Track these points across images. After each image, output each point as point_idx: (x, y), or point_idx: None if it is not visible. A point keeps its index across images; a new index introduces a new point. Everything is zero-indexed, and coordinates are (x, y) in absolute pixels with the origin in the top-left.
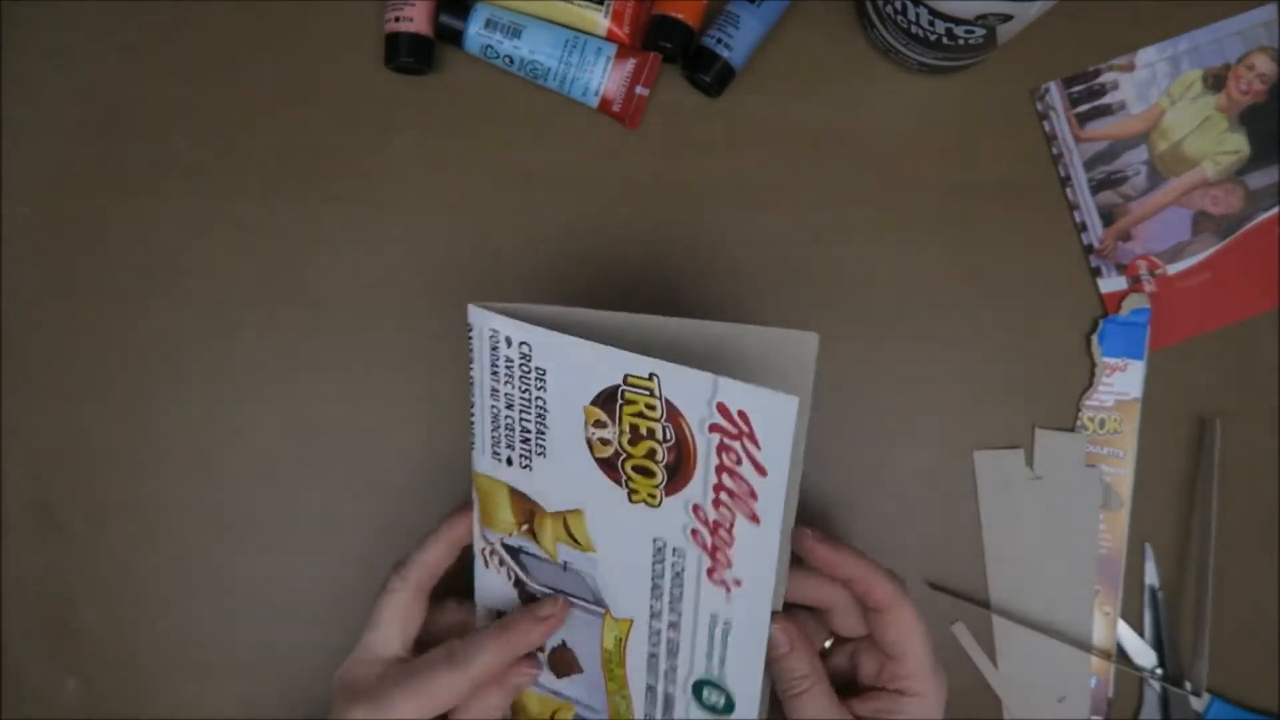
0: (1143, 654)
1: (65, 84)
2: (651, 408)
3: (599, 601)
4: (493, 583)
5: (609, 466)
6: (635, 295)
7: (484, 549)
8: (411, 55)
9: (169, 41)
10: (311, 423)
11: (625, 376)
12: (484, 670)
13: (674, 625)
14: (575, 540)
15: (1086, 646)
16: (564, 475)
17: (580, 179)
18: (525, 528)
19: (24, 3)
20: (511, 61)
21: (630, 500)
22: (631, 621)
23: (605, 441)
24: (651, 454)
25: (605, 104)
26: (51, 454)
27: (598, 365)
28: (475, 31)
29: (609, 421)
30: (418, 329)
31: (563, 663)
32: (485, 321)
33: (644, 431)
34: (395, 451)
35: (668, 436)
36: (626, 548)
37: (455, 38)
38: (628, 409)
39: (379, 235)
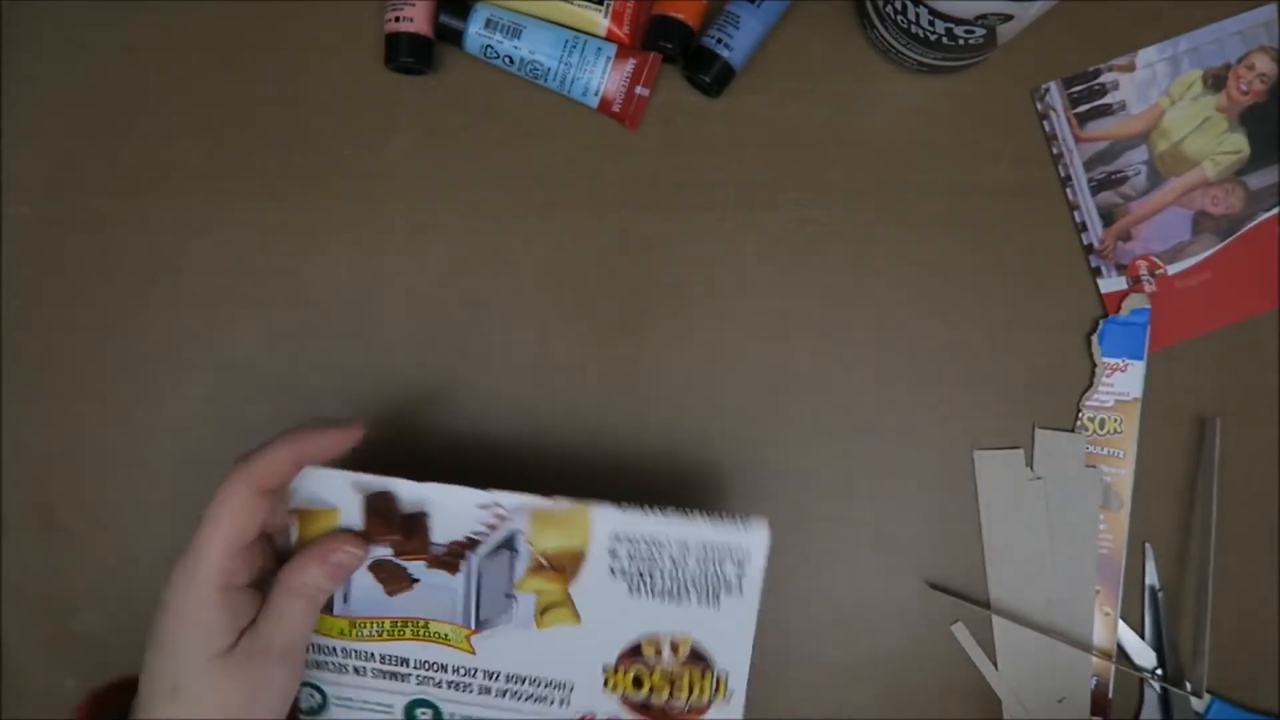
0: (1143, 654)
1: (65, 84)
2: None
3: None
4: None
5: None
6: (636, 295)
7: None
8: (411, 55)
9: (169, 41)
10: None
11: None
12: (268, 465)
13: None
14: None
15: (1087, 647)
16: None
17: (580, 179)
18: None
19: (24, 2)
20: (511, 61)
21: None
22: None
23: None
24: None
25: (605, 104)
26: (51, 454)
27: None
28: (475, 31)
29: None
30: (417, 329)
31: (394, 578)
32: None
33: None
34: (395, 451)
35: None
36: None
37: (455, 38)
38: None
39: (379, 235)
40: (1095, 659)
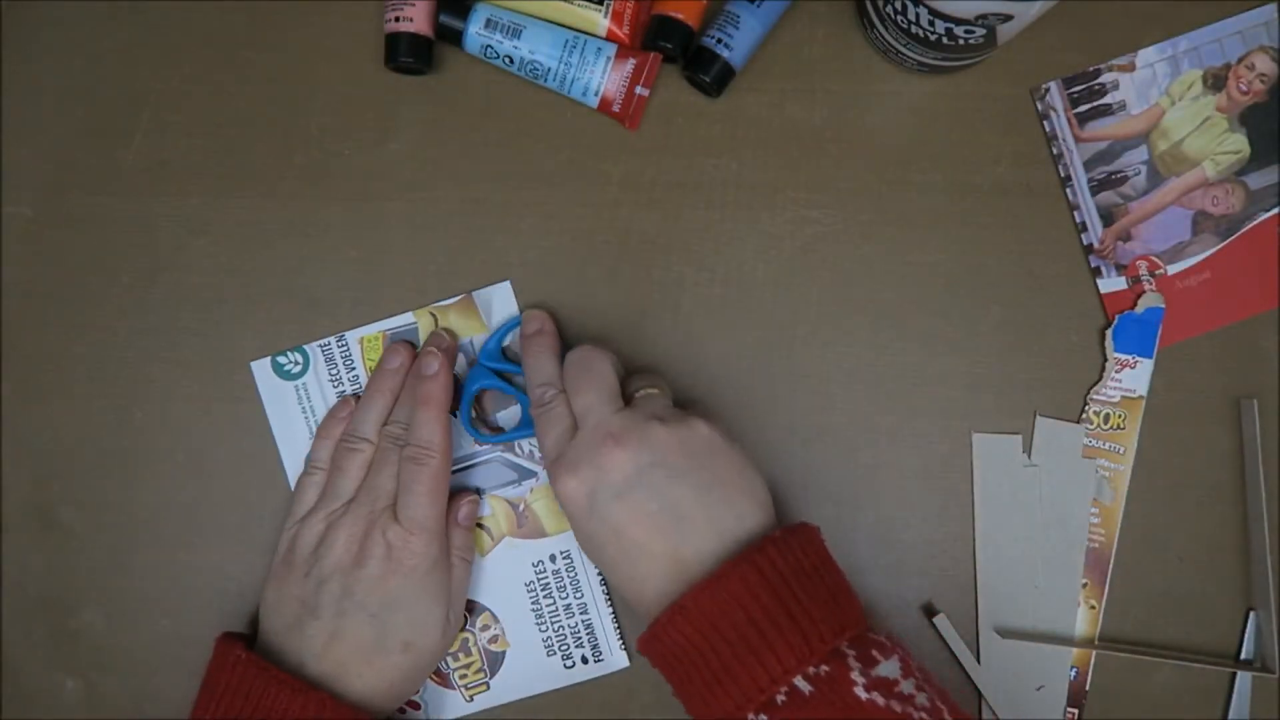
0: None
1: (65, 84)
2: None
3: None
4: None
5: None
6: (636, 295)
7: None
8: (411, 55)
9: (169, 41)
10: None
11: None
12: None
13: None
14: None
15: (1069, 639)
16: None
17: (580, 179)
18: None
19: (24, 2)
20: (511, 61)
21: None
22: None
23: None
24: None
25: (605, 104)
26: (51, 454)
27: None
28: (475, 31)
29: None
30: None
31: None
32: None
33: None
34: None
35: None
36: None
37: (455, 38)
38: None
39: (379, 235)
40: (1075, 650)
